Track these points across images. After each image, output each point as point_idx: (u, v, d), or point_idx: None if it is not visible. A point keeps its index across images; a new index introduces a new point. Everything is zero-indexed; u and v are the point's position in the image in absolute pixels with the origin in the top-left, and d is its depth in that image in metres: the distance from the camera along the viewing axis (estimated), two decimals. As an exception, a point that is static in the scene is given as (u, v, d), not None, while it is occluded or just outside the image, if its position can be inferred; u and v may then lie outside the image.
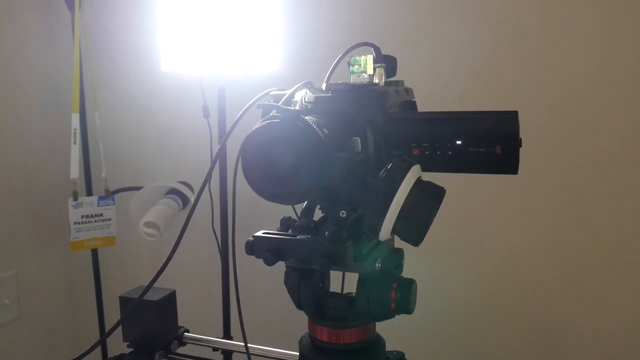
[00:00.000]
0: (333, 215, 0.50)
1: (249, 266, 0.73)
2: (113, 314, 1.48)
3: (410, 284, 0.62)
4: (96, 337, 1.43)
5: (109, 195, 1.38)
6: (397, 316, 0.62)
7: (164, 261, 0.70)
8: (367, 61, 0.72)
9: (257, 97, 0.74)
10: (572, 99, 1.11)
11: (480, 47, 1.16)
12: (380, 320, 0.65)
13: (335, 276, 0.66)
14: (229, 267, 1.19)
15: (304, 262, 0.55)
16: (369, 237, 0.55)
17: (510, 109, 0.53)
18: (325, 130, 0.52)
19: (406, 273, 0.64)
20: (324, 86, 0.62)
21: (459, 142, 0.56)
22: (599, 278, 1.13)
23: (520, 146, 0.55)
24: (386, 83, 0.72)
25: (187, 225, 0.72)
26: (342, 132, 0.57)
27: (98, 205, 1.37)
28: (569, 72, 1.11)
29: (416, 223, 0.46)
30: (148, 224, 1.18)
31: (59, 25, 1.43)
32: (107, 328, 1.46)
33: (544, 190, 1.13)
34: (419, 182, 0.48)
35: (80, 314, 1.55)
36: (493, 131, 0.54)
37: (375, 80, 0.72)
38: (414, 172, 0.48)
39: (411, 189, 0.46)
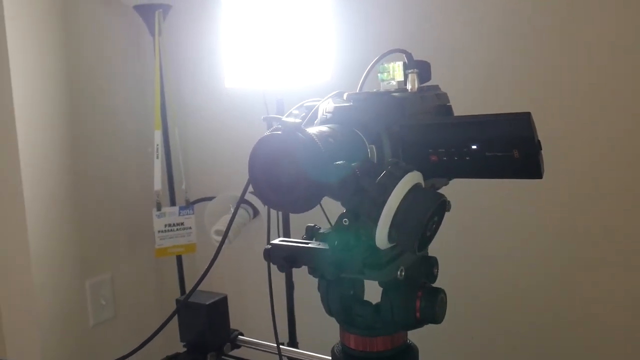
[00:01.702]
0: (338, 223, 0.51)
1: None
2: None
3: (436, 293, 0.60)
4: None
5: (189, 205, 1.48)
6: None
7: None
8: (395, 68, 0.71)
9: (293, 108, 0.77)
10: (585, 100, 1.05)
11: (499, 51, 1.12)
12: (406, 329, 0.64)
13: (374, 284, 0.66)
14: (291, 274, 1.23)
15: (315, 270, 0.56)
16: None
17: (524, 110, 0.50)
18: (331, 140, 0.53)
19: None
20: (345, 96, 0.63)
21: (474, 147, 0.54)
22: (612, 281, 1.06)
23: (541, 149, 0.52)
24: (419, 89, 0.71)
25: (230, 225, 0.77)
26: (356, 142, 0.57)
27: (179, 215, 1.47)
28: (580, 73, 1.05)
29: (410, 229, 0.46)
30: (218, 232, 1.25)
31: (144, 51, 1.57)
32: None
33: (557, 193, 1.07)
34: (414, 188, 0.47)
35: (168, 314, 1.67)
36: (506, 134, 0.52)
37: (408, 86, 0.71)
38: (409, 179, 0.47)
39: (404, 196, 0.46)
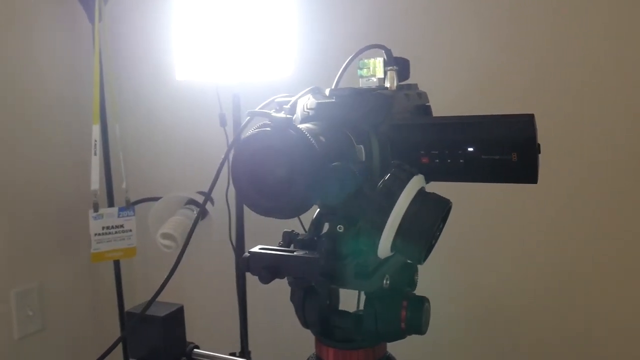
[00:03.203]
0: (331, 230, 0.46)
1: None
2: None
3: (422, 302, 0.57)
4: (120, 349, 1.42)
5: (129, 206, 1.37)
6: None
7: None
8: (376, 64, 0.68)
9: (262, 104, 0.72)
10: (587, 103, 1.06)
11: (493, 50, 1.11)
12: (389, 341, 0.60)
13: (348, 292, 0.62)
14: (245, 280, 1.17)
15: (301, 280, 0.51)
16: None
17: (526, 112, 0.48)
18: (322, 139, 0.48)
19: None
20: (327, 92, 0.59)
21: (470, 149, 0.51)
22: (612, 282, 1.08)
23: (540, 152, 0.50)
24: (398, 87, 0.68)
25: (190, 237, 0.70)
26: (343, 141, 0.53)
27: (118, 217, 1.36)
28: (581, 75, 1.06)
29: (417, 239, 0.42)
30: (165, 235, 1.17)
31: (80, 37, 1.44)
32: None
33: (558, 195, 1.08)
34: (420, 193, 0.43)
35: (104, 325, 1.55)
36: (507, 137, 0.49)
37: (387, 84, 0.68)
38: (415, 183, 0.43)
39: (411, 202, 0.42)
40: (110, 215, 1.35)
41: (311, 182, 0.44)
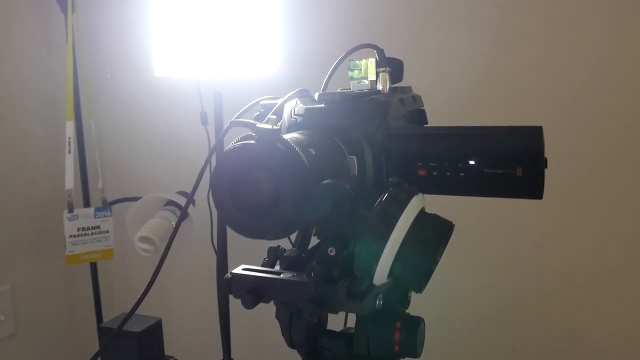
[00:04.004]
0: (321, 252, 0.42)
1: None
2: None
3: (417, 323, 0.54)
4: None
5: (106, 206, 1.31)
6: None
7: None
8: (368, 65, 0.64)
9: (246, 107, 0.67)
10: (583, 103, 1.02)
11: (486, 49, 1.08)
12: (381, 364, 0.56)
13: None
14: (228, 299, 1.12)
15: (289, 305, 0.47)
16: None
17: (535, 124, 0.44)
18: (312, 151, 0.44)
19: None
20: (316, 96, 0.54)
21: (472, 162, 0.47)
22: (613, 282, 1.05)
23: (546, 167, 0.46)
24: (391, 89, 0.64)
25: (170, 244, 0.66)
26: (334, 152, 0.49)
27: (95, 217, 1.31)
28: (578, 76, 1.02)
29: (418, 266, 0.38)
30: (143, 239, 1.12)
31: (54, 30, 1.37)
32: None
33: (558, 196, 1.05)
34: (420, 216, 0.39)
35: (80, 330, 1.49)
36: (513, 150, 0.45)
37: (379, 87, 0.64)
38: (415, 205, 0.39)
39: (411, 226, 0.38)
40: (86, 216, 1.29)
41: (300, 201, 0.40)
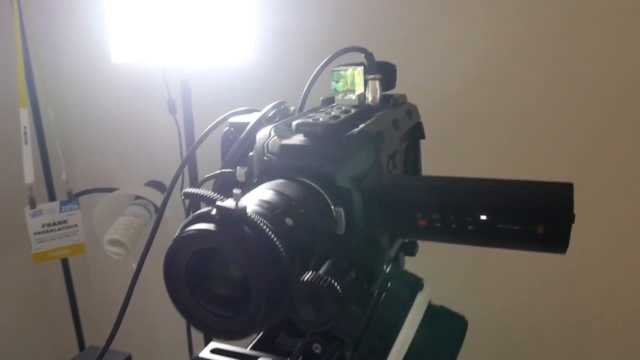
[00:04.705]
0: (304, 346, 0.34)
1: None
2: (92, 326, 1.36)
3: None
4: (75, 352, 1.30)
5: (72, 199, 1.21)
6: None
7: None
8: (355, 76, 0.54)
9: (212, 125, 0.58)
10: (578, 99, 0.93)
11: (480, 48, 0.96)
12: None
13: None
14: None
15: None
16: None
17: (565, 181, 0.36)
18: (289, 221, 0.35)
19: None
20: (294, 124, 0.45)
21: (483, 217, 0.39)
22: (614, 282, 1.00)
23: (573, 222, 0.38)
24: (382, 100, 0.55)
25: (146, 253, 0.58)
26: (317, 207, 0.40)
27: (60, 211, 1.21)
28: (573, 72, 0.93)
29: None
30: (113, 242, 1.03)
31: (5, 10, 1.22)
32: (86, 339, 1.34)
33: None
34: (428, 318, 0.31)
35: (57, 332, 1.42)
36: (535, 207, 0.37)
37: (368, 98, 0.54)
38: (421, 304, 0.31)
39: (417, 331, 0.30)
40: (50, 211, 1.20)
41: (276, 299, 0.31)
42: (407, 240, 0.54)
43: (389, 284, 0.32)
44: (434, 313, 0.32)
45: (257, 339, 0.43)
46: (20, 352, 1.37)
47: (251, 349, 0.42)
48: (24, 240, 1.19)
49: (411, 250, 0.55)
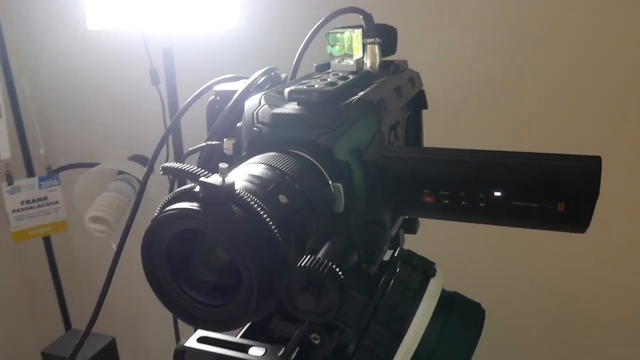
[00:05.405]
0: (302, 335, 0.31)
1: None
2: (78, 308, 1.32)
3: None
4: (61, 332, 1.26)
5: (52, 174, 1.16)
6: None
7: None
8: (352, 39, 0.49)
9: (200, 90, 0.53)
10: (581, 100, 0.89)
11: (492, 6, 0.91)
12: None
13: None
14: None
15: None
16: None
17: (592, 154, 0.32)
18: (283, 199, 0.31)
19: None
20: (286, 92, 0.41)
21: (497, 194, 0.36)
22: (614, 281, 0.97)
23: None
24: (382, 66, 0.50)
25: (129, 227, 0.55)
26: (313, 183, 0.36)
27: (40, 188, 1.16)
28: (575, 72, 0.88)
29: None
30: (95, 219, 0.98)
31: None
32: (72, 320, 1.30)
33: None
34: (441, 309, 0.28)
35: (43, 313, 1.38)
36: (557, 184, 0.33)
37: (367, 63, 0.50)
38: (433, 293, 0.28)
39: (429, 324, 0.27)
40: (29, 187, 1.15)
41: (267, 289, 0.28)
42: (406, 217, 0.51)
43: (397, 270, 0.28)
44: (447, 301, 0.28)
45: (247, 325, 0.40)
46: (4, 334, 1.33)
47: (241, 336, 0.39)
48: (3, 219, 1.15)
49: (412, 227, 0.52)
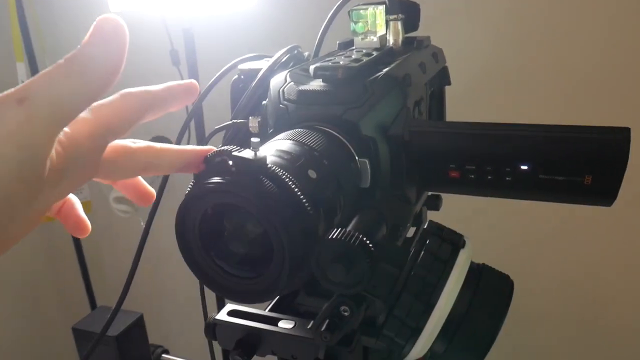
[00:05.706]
0: (332, 307, 0.32)
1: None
2: (103, 286, 1.35)
3: None
4: (86, 312, 1.29)
5: (76, 157, 1.18)
6: None
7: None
8: (375, 15, 0.49)
9: (224, 69, 0.53)
10: (582, 97, 0.87)
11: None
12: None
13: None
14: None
15: (290, 360, 0.37)
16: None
17: (621, 125, 0.32)
18: (312, 174, 0.32)
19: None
20: (312, 69, 0.41)
21: (524, 167, 0.36)
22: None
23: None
24: (405, 42, 0.50)
25: (157, 205, 0.55)
26: (341, 159, 0.36)
27: (65, 170, 1.18)
28: (578, 67, 0.86)
29: (473, 345, 0.28)
30: (119, 200, 1.00)
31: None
32: (98, 299, 1.34)
33: None
34: (470, 280, 0.28)
35: (69, 292, 1.41)
36: (586, 157, 0.33)
37: (390, 40, 0.50)
38: (463, 265, 0.28)
39: (459, 295, 0.27)
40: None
41: (299, 261, 0.28)
42: (429, 193, 0.51)
43: (427, 241, 0.29)
44: (476, 272, 0.29)
45: (275, 301, 0.41)
46: (32, 313, 1.37)
47: (270, 310, 0.40)
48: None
49: (435, 204, 0.52)
